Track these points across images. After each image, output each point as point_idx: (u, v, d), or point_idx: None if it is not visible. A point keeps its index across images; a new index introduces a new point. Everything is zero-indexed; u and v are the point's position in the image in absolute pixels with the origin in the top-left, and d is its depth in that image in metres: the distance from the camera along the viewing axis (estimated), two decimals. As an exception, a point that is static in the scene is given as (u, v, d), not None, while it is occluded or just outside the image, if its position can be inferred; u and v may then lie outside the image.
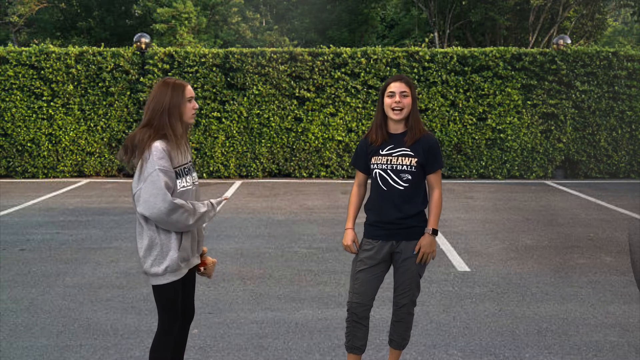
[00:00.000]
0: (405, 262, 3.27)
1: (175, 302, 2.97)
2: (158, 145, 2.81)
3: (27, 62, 11.06)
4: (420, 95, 11.21)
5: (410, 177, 3.23)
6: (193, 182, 3.03)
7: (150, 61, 11.10)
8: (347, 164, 11.38)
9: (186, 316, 3.17)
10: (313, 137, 11.22)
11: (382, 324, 4.37)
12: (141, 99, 11.12)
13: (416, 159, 3.22)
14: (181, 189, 2.92)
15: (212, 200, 3.03)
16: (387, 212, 3.26)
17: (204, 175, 11.36)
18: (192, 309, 3.20)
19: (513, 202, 9.07)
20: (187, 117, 2.95)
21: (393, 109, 3.21)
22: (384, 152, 3.27)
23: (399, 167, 3.23)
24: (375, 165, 3.28)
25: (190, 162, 3.05)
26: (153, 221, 2.82)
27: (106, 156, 11.32)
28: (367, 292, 3.30)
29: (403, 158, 3.23)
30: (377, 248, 3.28)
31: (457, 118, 11.27)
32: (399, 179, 3.23)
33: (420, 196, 3.27)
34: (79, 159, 11.33)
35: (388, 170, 3.25)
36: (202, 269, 3.20)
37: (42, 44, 11.54)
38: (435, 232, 3.26)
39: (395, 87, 3.21)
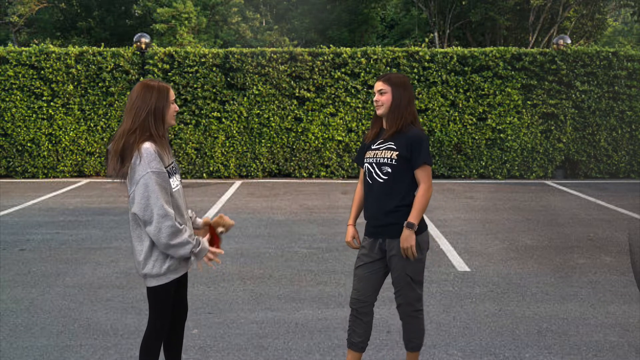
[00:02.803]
0: (391, 260, 3.29)
1: (169, 303, 2.98)
2: (148, 147, 2.78)
3: (27, 62, 11.07)
4: (420, 95, 11.21)
5: (390, 170, 3.24)
6: (180, 182, 3.06)
7: (150, 61, 11.10)
8: (347, 164, 11.38)
9: (181, 314, 3.19)
10: (313, 137, 11.22)
11: (382, 324, 4.37)
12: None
13: (397, 152, 3.23)
14: (175, 188, 2.93)
15: (203, 241, 2.93)
16: (369, 206, 3.33)
17: (204, 175, 11.36)
18: (186, 307, 3.22)
19: (513, 202, 9.07)
20: (169, 118, 2.95)
21: (375, 105, 3.33)
22: (374, 147, 3.33)
23: (381, 160, 3.27)
24: (366, 159, 3.35)
25: (175, 161, 3.07)
26: (142, 223, 2.80)
27: (106, 156, 11.31)
28: (364, 289, 3.32)
29: (386, 151, 3.27)
30: (370, 245, 3.34)
31: (457, 118, 11.27)
32: (380, 172, 3.27)
33: (401, 192, 3.24)
34: (79, 159, 11.33)
35: (373, 164, 3.30)
36: (220, 229, 3.18)
37: (42, 44, 11.54)
38: (410, 226, 3.18)
39: (375, 86, 3.32)
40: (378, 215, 3.27)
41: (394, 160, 3.22)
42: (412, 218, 3.19)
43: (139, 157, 2.76)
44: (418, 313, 3.36)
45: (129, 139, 2.80)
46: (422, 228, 3.30)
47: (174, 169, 2.98)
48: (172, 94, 2.96)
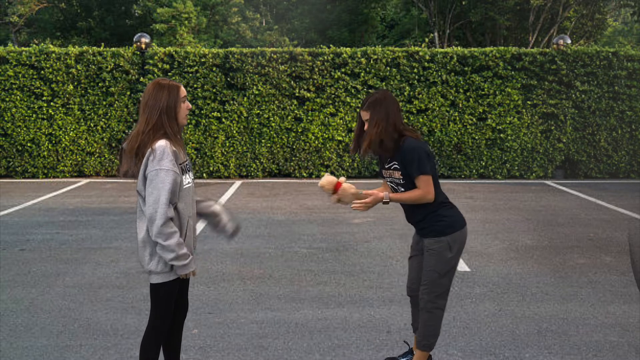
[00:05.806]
0: (424, 256, 3.45)
1: (172, 301, 2.99)
2: (163, 144, 2.83)
3: (27, 62, 11.07)
4: (420, 95, 11.21)
5: (403, 189, 3.37)
6: (192, 179, 3.08)
7: (150, 61, 11.10)
8: (347, 164, 11.38)
9: (181, 312, 3.19)
10: (313, 137, 11.22)
11: (382, 324, 4.37)
12: (141, 99, 11.12)
13: (400, 171, 3.33)
14: (186, 185, 2.97)
15: (190, 261, 2.92)
16: (405, 215, 3.55)
17: (204, 175, 11.36)
18: (186, 305, 3.23)
19: (513, 202, 9.07)
20: (181, 117, 2.98)
21: None
22: (386, 166, 3.43)
23: (395, 181, 3.39)
24: (385, 177, 3.49)
25: (189, 160, 3.10)
26: (146, 216, 2.83)
27: (106, 156, 11.32)
28: (413, 278, 3.59)
29: (394, 172, 3.37)
30: (417, 239, 3.57)
31: (457, 118, 11.27)
32: (398, 192, 3.41)
33: (425, 203, 3.37)
34: (79, 159, 11.33)
35: (392, 184, 3.44)
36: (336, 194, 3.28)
37: (42, 44, 11.54)
38: (384, 198, 3.27)
39: (362, 116, 3.37)
40: (413, 223, 3.49)
41: (402, 180, 3.34)
42: (393, 196, 3.30)
43: (152, 154, 2.81)
44: (437, 311, 3.42)
45: (145, 138, 2.85)
46: (454, 226, 3.35)
47: (187, 166, 3.03)
48: (183, 92, 3.00)
